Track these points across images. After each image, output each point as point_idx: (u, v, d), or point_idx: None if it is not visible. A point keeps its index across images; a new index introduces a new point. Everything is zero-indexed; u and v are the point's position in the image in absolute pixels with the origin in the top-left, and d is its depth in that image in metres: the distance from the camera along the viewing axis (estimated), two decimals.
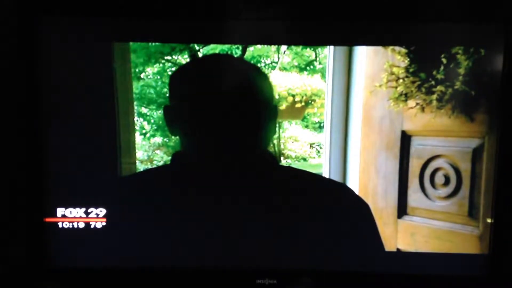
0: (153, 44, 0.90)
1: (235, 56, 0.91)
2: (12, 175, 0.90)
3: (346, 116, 0.95)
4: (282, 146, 1.01)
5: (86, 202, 0.90)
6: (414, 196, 0.91)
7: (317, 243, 0.91)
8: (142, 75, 0.93)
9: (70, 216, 0.90)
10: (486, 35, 0.85)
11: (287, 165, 1.01)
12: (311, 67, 0.95)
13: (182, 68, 0.91)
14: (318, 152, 1.01)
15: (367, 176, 0.93)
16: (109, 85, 0.87)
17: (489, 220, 0.89)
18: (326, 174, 0.97)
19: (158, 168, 0.96)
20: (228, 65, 0.90)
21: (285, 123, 1.01)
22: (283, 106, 0.94)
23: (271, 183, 0.91)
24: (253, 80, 0.89)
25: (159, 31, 0.87)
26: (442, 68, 0.86)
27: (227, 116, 0.85)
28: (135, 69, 0.91)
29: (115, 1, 0.85)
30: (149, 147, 0.98)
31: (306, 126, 1.01)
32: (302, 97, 0.94)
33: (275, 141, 1.00)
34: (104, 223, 0.90)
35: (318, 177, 0.96)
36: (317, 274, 0.90)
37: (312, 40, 0.90)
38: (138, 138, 0.96)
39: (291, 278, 0.89)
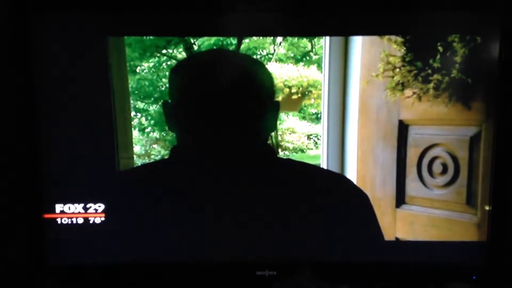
0: (148, 37, 0.89)
1: (230, 48, 0.91)
2: (10, 172, 0.90)
3: (343, 107, 0.95)
4: (279, 138, 1.01)
5: (84, 198, 0.90)
6: (412, 185, 0.91)
7: (317, 234, 0.92)
8: (138, 69, 0.93)
9: (69, 212, 0.90)
10: (482, 23, 0.85)
11: (285, 157, 1.01)
12: (307, 58, 0.95)
13: (181, 64, 0.90)
14: (316, 143, 1.01)
15: (365, 166, 0.93)
16: (105, 80, 0.87)
17: (487, 208, 0.89)
18: (324, 165, 0.97)
19: (156, 162, 0.96)
20: (228, 60, 0.89)
21: (282, 115, 1.01)
22: (279, 97, 0.93)
23: (270, 175, 0.91)
24: (254, 77, 0.88)
25: (153, 25, 0.86)
26: (438, 56, 0.86)
27: (227, 111, 0.85)
28: (130, 63, 0.91)
29: None
30: (147, 141, 0.97)
31: (303, 118, 1.01)
32: (299, 88, 0.93)
33: (272, 133, 1.00)
34: (103, 218, 0.90)
35: (316, 169, 0.96)
36: (317, 264, 0.90)
37: (308, 30, 0.90)
38: (135, 132, 0.96)
39: (291, 269, 0.90)
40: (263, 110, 0.88)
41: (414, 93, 0.88)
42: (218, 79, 0.86)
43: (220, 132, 0.86)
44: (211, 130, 0.86)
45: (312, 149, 1.01)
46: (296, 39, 0.94)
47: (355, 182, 0.93)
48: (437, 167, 0.90)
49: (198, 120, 0.85)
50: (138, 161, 0.95)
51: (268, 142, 0.96)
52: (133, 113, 0.94)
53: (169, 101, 0.89)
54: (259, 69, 0.89)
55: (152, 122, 0.97)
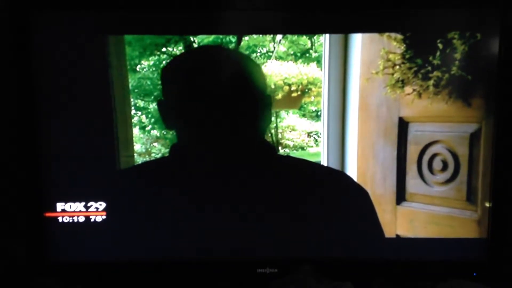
0: (148, 36, 0.89)
1: (230, 46, 0.91)
2: (12, 171, 0.90)
3: (343, 104, 0.95)
4: (279, 136, 1.01)
5: (85, 196, 0.90)
6: (413, 182, 0.91)
7: (317, 231, 0.92)
8: (138, 68, 0.93)
9: (70, 211, 0.90)
10: (482, 19, 0.85)
11: (286, 154, 1.01)
12: (307, 55, 0.95)
13: (173, 62, 0.90)
14: (316, 140, 1.01)
15: (365, 163, 0.93)
16: (105, 79, 0.87)
17: (487, 204, 0.89)
18: (324, 163, 0.97)
19: (157, 160, 0.96)
20: (219, 56, 0.89)
21: (282, 113, 1.01)
22: (279, 95, 0.93)
23: (270, 172, 0.92)
24: (245, 71, 0.88)
25: (153, 23, 0.87)
26: (438, 53, 0.86)
27: (221, 108, 0.85)
28: (130, 61, 0.91)
29: None
30: (147, 139, 0.98)
31: (303, 115, 1.01)
32: (299, 86, 0.94)
33: (272, 131, 1.00)
34: (104, 217, 0.91)
35: (317, 166, 0.96)
36: (318, 261, 0.91)
37: (307, 28, 0.90)
38: (135, 131, 0.96)
39: (292, 267, 0.90)
40: (256, 104, 0.88)
41: (414, 90, 0.88)
42: (208, 76, 0.85)
43: (216, 129, 0.86)
44: (207, 127, 0.86)
45: (312, 146, 1.01)
46: (295, 36, 0.94)
47: (355, 179, 0.93)
48: (437, 164, 0.90)
49: (193, 117, 0.86)
50: (138, 160, 0.95)
51: (268, 139, 0.96)
52: (133, 111, 0.94)
53: (164, 99, 0.89)
54: (249, 63, 0.89)
55: (152, 120, 0.97)
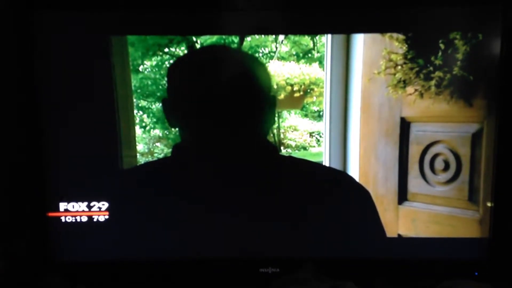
0: (151, 36, 0.89)
1: (232, 46, 0.91)
2: (15, 171, 0.91)
3: (345, 104, 0.95)
4: (282, 136, 1.01)
5: (88, 196, 0.90)
6: (414, 182, 0.92)
7: (319, 231, 0.92)
8: (141, 68, 0.93)
9: (73, 210, 0.91)
10: (483, 19, 0.85)
11: (287, 154, 1.01)
12: (309, 55, 0.95)
13: (178, 61, 0.91)
14: (318, 141, 1.01)
15: (367, 163, 0.93)
16: (108, 79, 0.87)
17: (489, 204, 0.90)
18: (326, 163, 0.97)
19: (159, 160, 0.96)
20: (224, 56, 0.89)
21: (285, 113, 1.02)
22: (281, 95, 0.94)
23: (272, 172, 0.92)
24: (250, 71, 0.88)
25: (156, 23, 0.87)
26: (440, 53, 0.86)
27: (225, 107, 0.85)
28: (133, 62, 0.91)
29: None
30: (149, 139, 0.98)
31: (306, 115, 1.01)
32: (301, 86, 0.94)
33: (274, 131, 1.00)
34: (106, 217, 0.91)
35: (318, 166, 0.96)
36: (320, 261, 0.91)
37: (309, 28, 0.90)
38: (138, 131, 0.96)
39: (294, 266, 0.90)
40: (260, 104, 0.88)
41: (416, 90, 0.88)
42: (214, 76, 0.85)
43: (219, 129, 0.86)
44: (210, 126, 0.86)
45: (314, 146, 1.02)
46: (297, 37, 0.95)
47: (357, 179, 0.93)
48: (439, 164, 0.90)
49: (196, 116, 0.86)
50: (141, 159, 0.96)
51: (270, 140, 0.96)
52: (135, 112, 0.94)
53: (169, 98, 0.89)
54: (254, 63, 0.89)
55: (154, 120, 0.97)
